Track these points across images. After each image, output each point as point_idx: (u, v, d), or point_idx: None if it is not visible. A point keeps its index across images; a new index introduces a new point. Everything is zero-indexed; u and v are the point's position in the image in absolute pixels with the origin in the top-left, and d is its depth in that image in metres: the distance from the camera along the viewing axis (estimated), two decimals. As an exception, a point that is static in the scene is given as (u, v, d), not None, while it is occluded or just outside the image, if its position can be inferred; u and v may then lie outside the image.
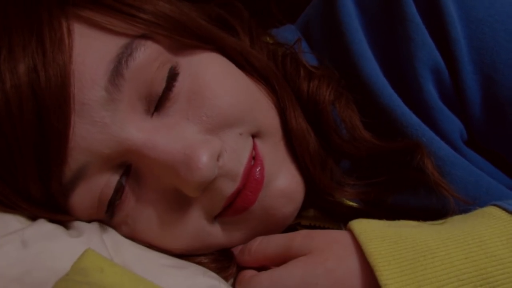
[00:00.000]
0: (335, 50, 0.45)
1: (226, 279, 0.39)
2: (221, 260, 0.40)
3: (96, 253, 0.31)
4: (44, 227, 0.35)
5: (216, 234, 0.39)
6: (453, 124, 0.41)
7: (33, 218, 0.36)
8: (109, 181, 0.35)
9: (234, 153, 0.36)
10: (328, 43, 0.46)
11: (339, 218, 0.44)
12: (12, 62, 0.31)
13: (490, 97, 0.40)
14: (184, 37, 0.37)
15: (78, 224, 0.37)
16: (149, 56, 0.34)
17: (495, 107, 0.40)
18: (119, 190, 0.36)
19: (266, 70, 0.42)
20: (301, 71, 0.44)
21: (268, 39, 0.47)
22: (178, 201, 0.36)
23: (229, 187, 0.36)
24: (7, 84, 0.31)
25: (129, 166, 0.36)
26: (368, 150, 0.41)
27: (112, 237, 0.37)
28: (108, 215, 0.37)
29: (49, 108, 0.31)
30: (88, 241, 0.34)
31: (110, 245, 0.36)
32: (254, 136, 0.39)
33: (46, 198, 0.34)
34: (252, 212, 0.38)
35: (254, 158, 0.38)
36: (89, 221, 0.37)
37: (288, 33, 0.49)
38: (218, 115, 0.36)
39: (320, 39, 0.47)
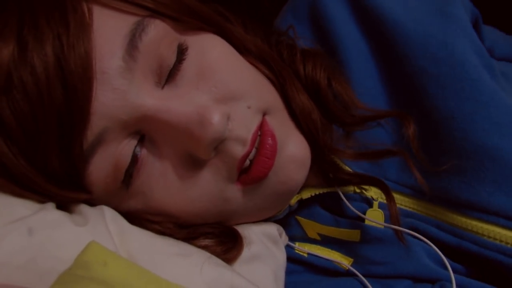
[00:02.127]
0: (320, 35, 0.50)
1: (231, 260, 0.41)
2: (226, 242, 0.41)
3: (100, 246, 0.31)
4: (50, 214, 0.35)
5: (233, 201, 0.41)
6: None
7: (41, 203, 0.36)
8: (125, 148, 0.37)
9: (242, 122, 0.39)
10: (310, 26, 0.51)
11: (336, 184, 0.48)
12: (37, 33, 0.33)
13: None
14: (188, 17, 0.40)
15: (84, 210, 0.37)
16: (159, 32, 0.37)
17: None
18: (134, 158, 0.37)
19: (262, 52, 0.45)
20: (297, 54, 0.48)
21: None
22: (193, 166, 0.38)
23: (238, 150, 0.38)
24: (33, 52, 0.33)
25: (143, 136, 0.38)
26: (362, 118, 0.46)
27: (118, 225, 0.37)
28: (125, 184, 0.38)
29: (73, 72, 0.33)
30: (93, 230, 0.35)
31: (115, 234, 0.36)
32: (264, 114, 0.41)
33: (63, 170, 0.35)
34: (269, 179, 0.40)
35: (263, 130, 0.40)
36: (104, 194, 0.38)
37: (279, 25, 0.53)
38: (226, 88, 0.39)
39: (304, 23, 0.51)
